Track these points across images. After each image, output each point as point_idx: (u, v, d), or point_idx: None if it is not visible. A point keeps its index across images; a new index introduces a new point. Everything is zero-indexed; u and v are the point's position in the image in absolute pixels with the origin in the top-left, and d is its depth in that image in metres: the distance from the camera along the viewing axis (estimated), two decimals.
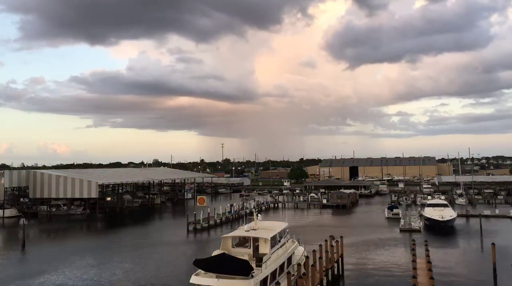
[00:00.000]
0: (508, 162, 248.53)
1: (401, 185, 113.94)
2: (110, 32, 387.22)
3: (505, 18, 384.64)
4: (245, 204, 70.30)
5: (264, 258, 21.05)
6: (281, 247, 24.24)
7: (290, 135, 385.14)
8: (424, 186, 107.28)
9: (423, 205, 61.04)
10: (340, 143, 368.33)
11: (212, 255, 21.24)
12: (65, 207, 71.70)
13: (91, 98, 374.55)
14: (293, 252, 25.54)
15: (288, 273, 22.84)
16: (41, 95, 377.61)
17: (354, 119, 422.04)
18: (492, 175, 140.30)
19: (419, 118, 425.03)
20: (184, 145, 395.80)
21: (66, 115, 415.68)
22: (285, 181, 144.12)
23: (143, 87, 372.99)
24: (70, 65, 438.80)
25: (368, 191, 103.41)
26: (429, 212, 51.73)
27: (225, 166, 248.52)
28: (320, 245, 27.61)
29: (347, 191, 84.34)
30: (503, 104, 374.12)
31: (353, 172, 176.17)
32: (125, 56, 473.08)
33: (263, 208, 74.12)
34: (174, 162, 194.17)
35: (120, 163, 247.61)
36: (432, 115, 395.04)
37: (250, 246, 23.24)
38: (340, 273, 30.28)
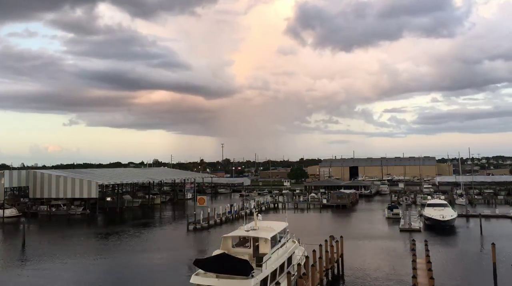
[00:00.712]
0: (508, 162, 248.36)
1: (401, 185, 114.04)
2: None
3: None
4: (245, 204, 70.33)
5: (264, 258, 21.05)
6: (281, 247, 24.23)
7: (276, 133, 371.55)
8: (424, 186, 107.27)
9: (423, 205, 61.06)
10: (332, 142, 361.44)
11: (212, 255, 21.25)
12: (65, 207, 71.71)
13: (46, 93, 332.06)
14: (293, 252, 25.52)
15: (288, 273, 22.85)
16: None
17: (342, 117, 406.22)
18: (492, 175, 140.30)
19: (410, 116, 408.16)
20: (163, 144, 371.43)
21: (40, 114, 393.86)
22: (285, 181, 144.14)
23: (102, 79, 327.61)
24: None
25: (368, 191, 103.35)
26: (429, 212, 51.73)
27: (225, 166, 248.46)
28: (320, 245, 27.60)
29: (347, 191, 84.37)
30: (493, 100, 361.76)
31: (353, 172, 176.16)
32: (51, 31, 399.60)
33: (263, 208, 74.08)
34: (174, 162, 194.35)
35: (120, 163, 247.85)
36: (424, 113, 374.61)
37: (250, 246, 23.24)
38: (340, 273, 30.29)
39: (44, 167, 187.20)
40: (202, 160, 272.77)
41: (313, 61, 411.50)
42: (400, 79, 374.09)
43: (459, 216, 55.14)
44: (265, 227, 24.72)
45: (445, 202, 58.47)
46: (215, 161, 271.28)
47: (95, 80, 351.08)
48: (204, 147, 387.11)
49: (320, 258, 25.73)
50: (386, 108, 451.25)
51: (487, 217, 56.60)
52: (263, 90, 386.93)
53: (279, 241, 24.52)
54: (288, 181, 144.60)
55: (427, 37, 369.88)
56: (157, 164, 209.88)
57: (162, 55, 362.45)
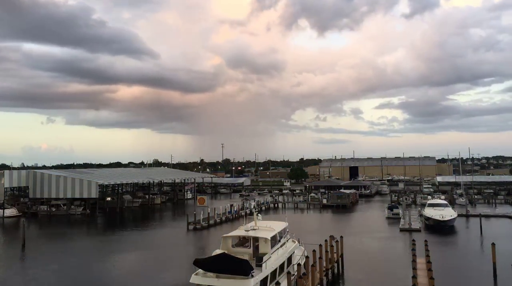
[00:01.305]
0: (508, 162, 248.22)
1: (401, 185, 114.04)
2: None
3: None
4: (245, 204, 70.34)
5: (264, 258, 21.06)
6: (281, 247, 24.24)
7: (265, 132, 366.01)
8: (424, 186, 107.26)
9: (423, 205, 61.07)
10: (326, 141, 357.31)
11: (212, 254, 21.26)
12: (65, 207, 71.72)
13: (7, 89, 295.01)
14: (293, 252, 25.55)
15: (288, 273, 22.85)
16: None
17: (332, 114, 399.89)
18: (492, 175, 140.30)
19: (400, 113, 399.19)
20: (154, 143, 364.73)
21: (13, 113, 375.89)
22: (285, 181, 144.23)
23: (58, 69, 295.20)
24: None
25: (368, 191, 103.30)
26: (429, 212, 51.72)
27: (225, 166, 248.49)
28: (320, 245, 27.61)
29: (347, 191, 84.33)
30: (485, 98, 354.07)
31: (353, 172, 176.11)
32: None
33: (263, 208, 74.09)
34: (174, 161, 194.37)
35: (120, 162, 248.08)
36: (418, 110, 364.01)
37: (250, 246, 23.25)
38: (340, 273, 30.28)
39: (44, 167, 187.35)
40: (202, 160, 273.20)
41: (296, 52, 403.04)
42: (386, 74, 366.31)
43: (459, 216, 55.12)
44: (265, 227, 24.72)
45: (445, 202, 58.42)
46: (215, 161, 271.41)
47: (57, 72, 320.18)
48: (188, 146, 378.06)
49: (320, 258, 25.74)
50: (375, 105, 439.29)
51: (487, 216, 56.59)
52: (246, 83, 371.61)
53: (279, 241, 24.52)
54: (288, 181, 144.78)
55: (408, 20, 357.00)
56: (157, 164, 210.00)
57: (121, 40, 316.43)
